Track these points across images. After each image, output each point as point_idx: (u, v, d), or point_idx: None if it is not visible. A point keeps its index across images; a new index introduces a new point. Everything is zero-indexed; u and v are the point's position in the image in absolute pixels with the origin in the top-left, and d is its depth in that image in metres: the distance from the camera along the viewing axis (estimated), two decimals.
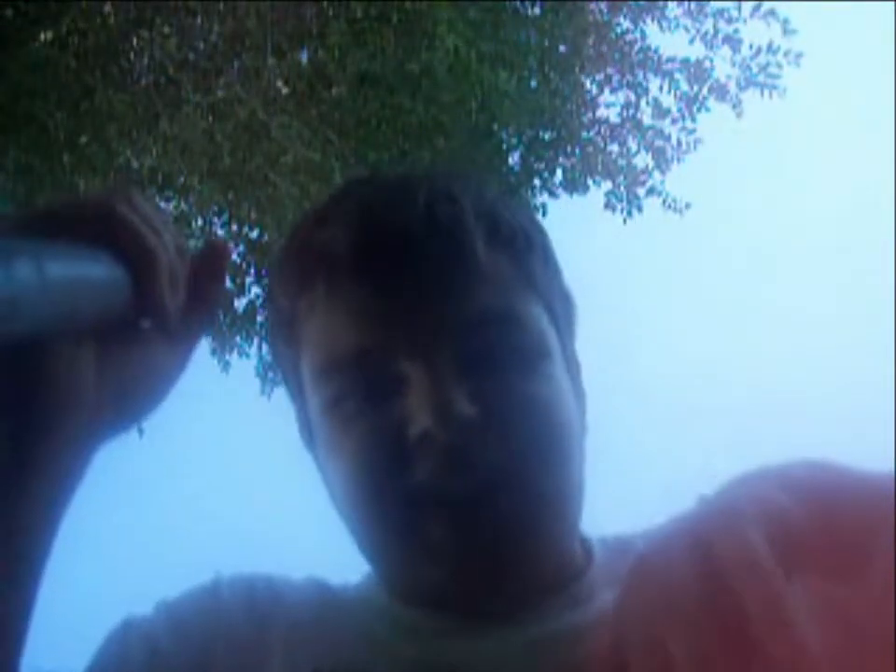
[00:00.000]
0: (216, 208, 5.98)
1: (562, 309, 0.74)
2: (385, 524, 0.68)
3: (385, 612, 0.72)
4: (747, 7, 6.07)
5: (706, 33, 6.17)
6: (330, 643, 0.70)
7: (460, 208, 0.69)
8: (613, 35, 6.16)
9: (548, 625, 0.68)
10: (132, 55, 5.36)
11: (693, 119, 6.20)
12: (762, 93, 6.05)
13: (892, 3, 4.95)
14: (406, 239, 0.67)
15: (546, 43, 5.77)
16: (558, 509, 0.68)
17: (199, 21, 5.49)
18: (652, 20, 6.21)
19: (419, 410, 0.65)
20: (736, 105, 6.12)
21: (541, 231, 0.75)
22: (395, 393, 0.67)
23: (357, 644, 0.70)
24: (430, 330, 0.66)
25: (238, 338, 6.08)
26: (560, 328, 0.73)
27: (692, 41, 6.21)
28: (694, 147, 6.20)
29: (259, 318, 6.12)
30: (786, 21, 5.95)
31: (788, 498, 0.57)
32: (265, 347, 6.11)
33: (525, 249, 0.72)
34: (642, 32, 6.24)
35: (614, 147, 6.21)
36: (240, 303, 6.13)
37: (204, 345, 6.03)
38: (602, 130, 6.22)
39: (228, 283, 6.22)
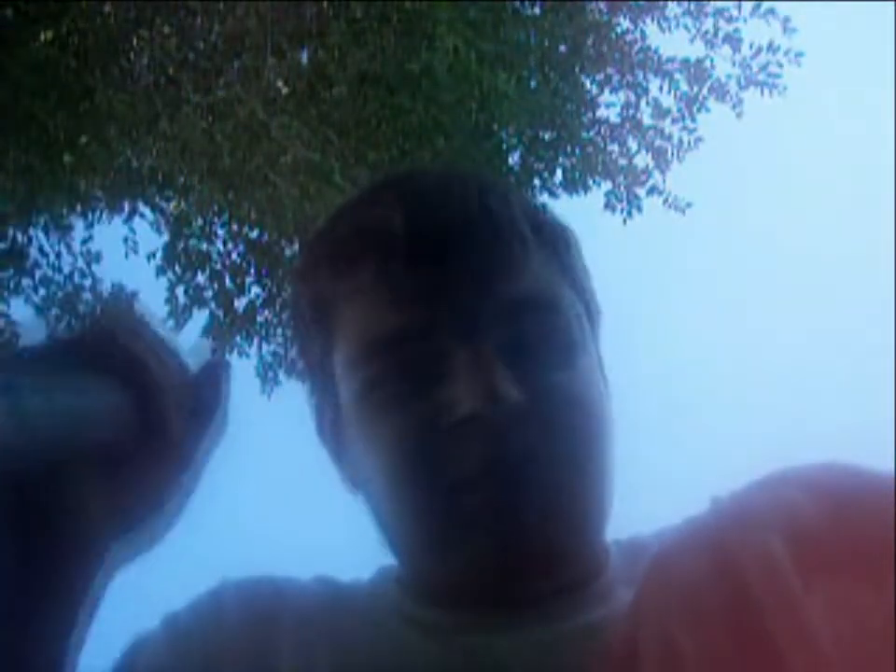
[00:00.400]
0: (216, 208, 5.98)
1: (593, 307, 0.76)
2: (424, 507, 0.66)
3: (398, 609, 0.71)
4: (747, 6, 6.07)
5: (706, 32, 6.17)
6: (344, 642, 0.69)
7: (510, 202, 0.71)
8: (613, 35, 6.15)
9: (567, 623, 0.67)
10: (132, 55, 5.36)
11: (693, 119, 6.20)
12: (762, 92, 6.05)
13: (892, 3, 4.95)
14: (459, 225, 0.68)
15: (546, 43, 5.77)
16: (593, 501, 0.68)
17: (199, 20, 5.49)
18: (652, 19, 6.20)
19: (465, 392, 0.65)
20: (736, 105, 6.12)
21: (574, 235, 0.77)
22: (438, 376, 0.66)
23: (372, 641, 0.69)
24: (476, 315, 0.67)
25: (238, 338, 6.08)
26: (592, 324, 0.75)
27: (692, 41, 6.21)
28: (695, 147, 6.19)
29: (259, 318, 6.12)
30: (786, 20, 5.95)
31: (807, 501, 0.56)
32: (265, 347, 6.11)
33: (565, 248, 0.74)
34: (642, 32, 6.24)
35: (614, 147, 6.20)
36: (240, 303, 6.13)
37: (205, 345, 6.02)
38: (602, 130, 6.22)
39: (228, 282, 6.22)
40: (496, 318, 0.67)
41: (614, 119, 6.27)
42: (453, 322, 0.67)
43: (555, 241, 0.73)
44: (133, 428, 0.53)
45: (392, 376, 0.68)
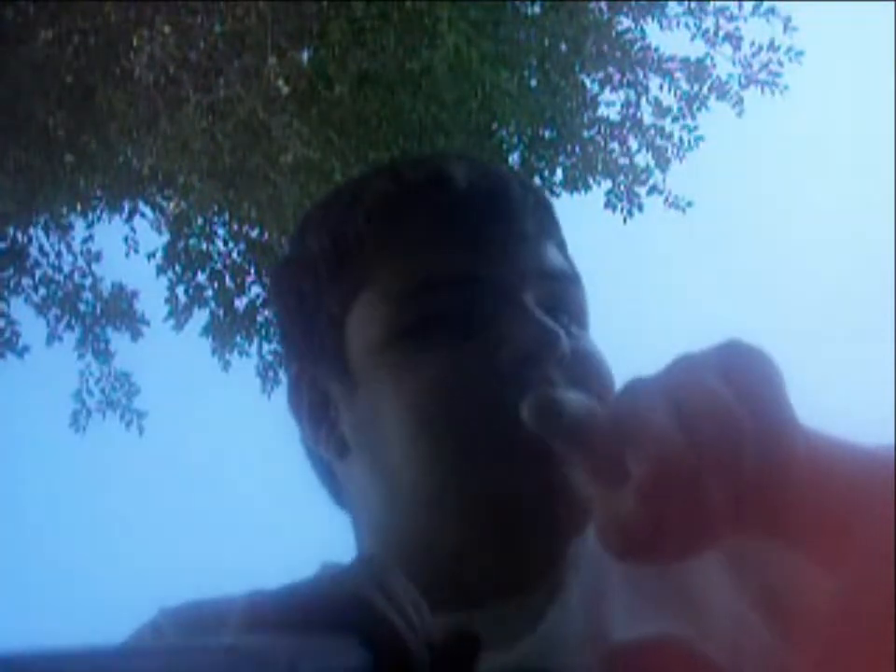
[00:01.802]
0: (216, 207, 5.98)
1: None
2: (465, 454, 0.64)
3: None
4: (748, 4, 6.07)
5: (706, 31, 6.17)
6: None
7: (538, 188, 0.78)
8: (614, 34, 6.15)
9: (544, 627, 0.65)
10: (132, 54, 5.36)
11: (694, 118, 6.20)
12: (763, 91, 6.05)
13: (892, 2, 4.95)
14: (510, 192, 0.72)
15: (546, 42, 5.77)
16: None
17: (199, 20, 5.48)
18: (653, 18, 6.20)
19: (522, 333, 0.64)
20: (737, 104, 6.12)
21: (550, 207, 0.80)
22: (482, 325, 0.66)
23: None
24: (521, 275, 0.68)
25: (238, 337, 6.08)
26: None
27: (692, 39, 6.21)
28: (696, 146, 6.19)
29: (260, 318, 6.12)
30: (787, 19, 5.96)
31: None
32: (265, 346, 6.11)
33: (563, 243, 0.77)
34: (643, 30, 6.24)
35: (615, 146, 6.20)
36: (240, 303, 6.13)
37: (205, 345, 6.03)
38: (602, 129, 6.22)
39: (228, 282, 6.22)
40: (534, 279, 0.69)
41: (615, 117, 6.27)
42: (501, 276, 0.68)
43: (560, 237, 0.77)
44: None
45: (437, 319, 0.67)
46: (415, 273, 0.68)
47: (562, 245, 0.76)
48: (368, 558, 0.57)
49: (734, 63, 6.11)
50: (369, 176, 0.78)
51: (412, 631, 0.50)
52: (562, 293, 0.70)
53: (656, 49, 6.18)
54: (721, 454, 0.44)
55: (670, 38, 6.23)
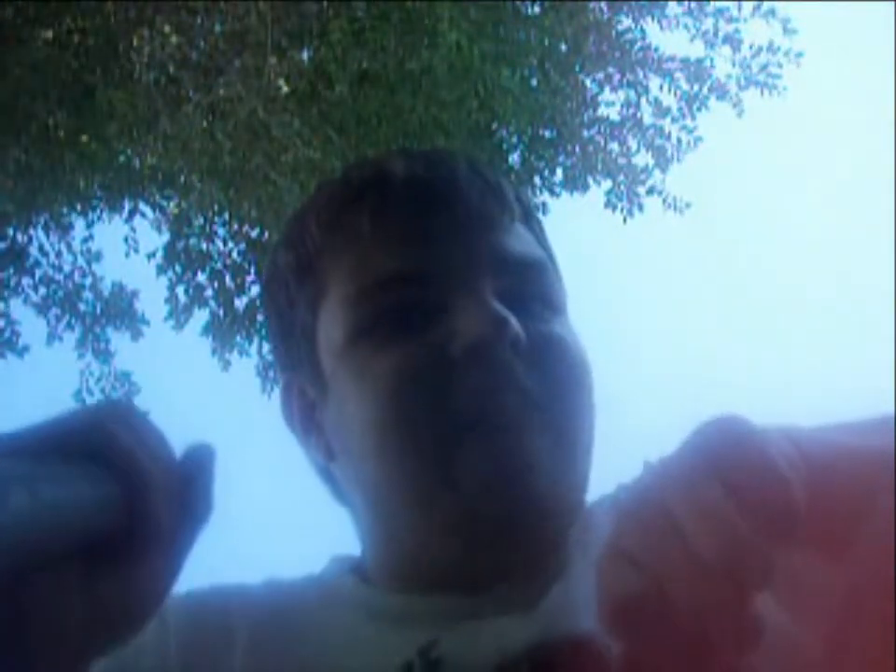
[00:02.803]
0: (216, 207, 5.98)
1: (564, 287, 0.77)
2: (419, 444, 0.65)
3: (357, 601, 0.69)
4: (747, 6, 6.07)
5: (706, 32, 6.17)
6: (299, 644, 0.66)
7: (495, 172, 0.75)
8: (614, 34, 6.15)
9: (532, 609, 0.65)
10: (132, 54, 5.36)
11: (693, 118, 6.20)
12: (762, 93, 6.05)
13: (892, 3, 4.95)
14: (454, 179, 0.71)
15: (546, 42, 5.77)
16: (582, 452, 0.67)
17: (199, 19, 5.49)
18: (653, 19, 6.20)
19: (473, 322, 0.65)
20: (737, 105, 6.12)
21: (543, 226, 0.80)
22: (437, 316, 0.67)
23: (329, 639, 0.66)
24: (473, 263, 0.68)
25: (238, 337, 6.08)
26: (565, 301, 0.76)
27: (692, 40, 6.21)
28: (695, 146, 6.20)
29: (260, 317, 6.12)
30: (786, 21, 5.96)
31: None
32: (265, 346, 6.11)
33: (539, 225, 0.77)
34: (642, 31, 6.24)
35: (615, 146, 6.20)
36: (240, 302, 6.13)
37: (205, 345, 6.03)
38: (602, 128, 6.22)
39: (228, 282, 6.22)
40: (491, 268, 0.68)
41: (615, 117, 6.27)
42: (451, 267, 0.68)
43: (532, 218, 0.76)
44: (120, 527, 0.49)
45: (386, 319, 0.68)
46: (365, 275, 0.69)
47: (532, 229, 0.75)
48: (115, 399, 0.58)
49: (733, 65, 6.11)
50: (321, 185, 0.79)
51: (153, 461, 0.50)
52: (527, 279, 0.70)
53: (656, 50, 6.19)
54: (730, 585, 0.43)
55: (670, 39, 6.23)
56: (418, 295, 0.68)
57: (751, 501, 0.44)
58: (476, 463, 0.64)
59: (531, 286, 0.70)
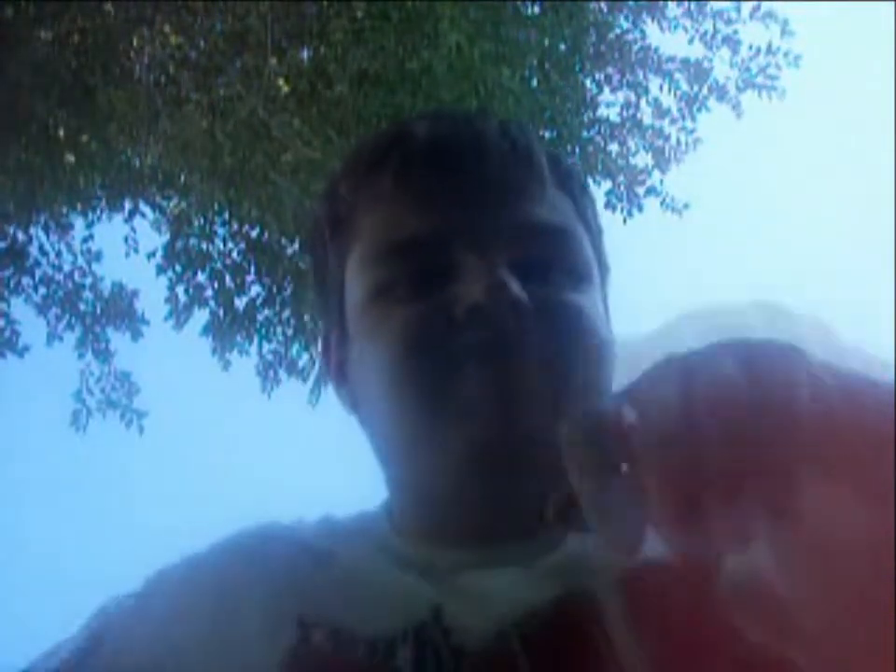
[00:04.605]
0: (216, 207, 5.98)
1: (604, 261, 0.78)
2: (423, 387, 0.67)
3: (388, 550, 0.71)
4: (746, 8, 6.07)
5: (705, 33, 6.18)
6: (316, 589, 0.67)
7: (530, 137, 0.75)
8: (613, 35, 6.16)
9: (553, 555, 0.66)
10: (132, 54, 5.36)
11: (693, 119, 6.20)
12: (760, 95, 6.05)
13: (892, 3, 4.96)
14: (480, 143, 0.72)
15: (546, 42, 5.77)
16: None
17: (199, 19, 5.49)
18: (652, 20, 6.21)
19: (471, 288, 0.66)
20: (736, 106, 6.12)
21: (592, 194, 0.80)
22: (447, 280, 0.68)
23: (362, 584, 0.67)
24: (490, 229, 0.69)
25: (238, 337, 6.08)
26: (602, 271, 0.77)
27: (691, 41, 6.22)
28: (694, 148, 6.20)
29: (260, 317, 6.12)
30: (785, 23, 5.96)
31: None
32: (265, 346, 6.11)
33: (580, 193, 0.77)
34: (642, 31, 6.24)
35: (614, 147, 6.21)
36: (240, 302, 6.13)
37: (205, 345, 6.03)
38: (602, 129, 6.22)
39: (228, 281, 6.23)
40: (508, 234, 0.69)
41: (614, 118, 6.28)
42: (466, 233, 0.69)
43: (572, 183, 0.76)
44: None
45: (404, 279, 0.69)
46: (384, 236, 0.71)
47: (573, 197, 0.75)
48: None
49: (732, 66, 6.12)
50: (360, 140, 0.81)
51: None
52: (547, 246, 0.70)
53: (655, 51, 6.19)
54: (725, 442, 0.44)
55: (669, 40, 6.25)
56: (432, 259, 0.69)
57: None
58: (476, 399, 0.65)
59: (551, 253, 0.70)
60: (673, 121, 6.21)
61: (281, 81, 5.28)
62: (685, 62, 6.19)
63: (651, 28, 6.24)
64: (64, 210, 6.15)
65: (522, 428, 0.65)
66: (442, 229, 0.70)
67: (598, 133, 6.20)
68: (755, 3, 6.01)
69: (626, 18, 6.22)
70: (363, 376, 0.73)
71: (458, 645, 0.61)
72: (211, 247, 6.20)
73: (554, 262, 0.70)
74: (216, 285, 6.12)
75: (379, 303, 0.70)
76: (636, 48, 6.20)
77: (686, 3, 6.22)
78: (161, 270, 6.06)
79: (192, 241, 6.16)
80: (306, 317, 6.06)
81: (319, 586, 0.67)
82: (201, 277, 6.12)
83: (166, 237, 6.15)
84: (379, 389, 0.70)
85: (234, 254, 6.20)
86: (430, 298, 0.68)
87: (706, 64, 6.17)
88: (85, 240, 6.32)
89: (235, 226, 6.18)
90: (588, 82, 6.19)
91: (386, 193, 0.72)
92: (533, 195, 0.71)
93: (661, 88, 6.21)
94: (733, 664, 0.55)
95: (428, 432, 0.67)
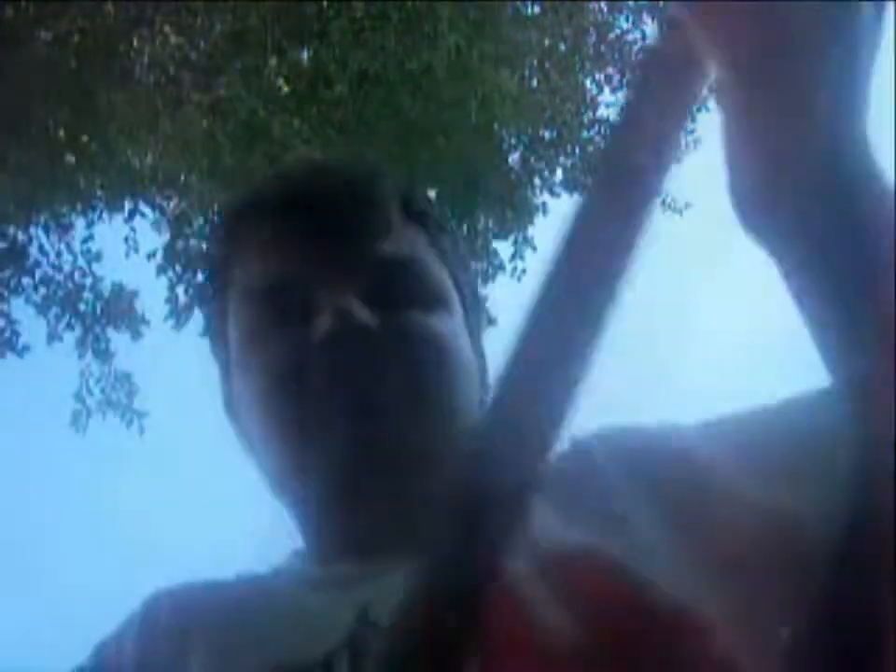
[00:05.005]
0: (216, 207, 5.98)
1: (469, 295, 0.83)
2: (286, 413, 0.73)
3: (295, 574, 0.76)
4: None
5: None
6: (250, 617, 0.71)
7: (377, 179, 0.82)
8: (613, 35, 6.16)
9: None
10: (132, 54, 5.36)
11: (694, 119, 6.20)
12: None
13: (893, 3, 4.96)
14: (328, 193, 0.79)
15: (546, 42, 5.78)
16: (445, 434, 0.73)
17: (199, 19, 5.49)
18: (652, 19, 6.21)
19: (323, 318, 0.73)
20: None
21: (454, 234, 0.86)
22: (307, 315, 0.75)
23: (274, 609, 0.71)
24: (339, 266, 0.76)
25: None
26: (466, 300, 0.82)
27: None
28: (694, 147, 6.20)
29: None
30: None
31: None
32: None
33: (436, 228, 0.83)
34: (642, 32, 6.25)
35: None
36: None
37: (205, 345, 6.03)
38: (602, 129, 6.23)
39: None
40: (356, 268, 0.76)
41: (614, 118, 6.27)
42: (319, 272, 0.76)
43: (426, 219, 0.82)
44: None
45: (270, 320, 0.76)
46: (249, 284, 0.79)
47: (425, 231, 0.81)
48: None
49: None
50: (237, 195, 0.91)
51: None
52: (396, 277, 0.76)
53: None
54: None
55: None
56: (292, 299, 0.76)
57: None
58: (332, 418, 0.71)
59: (401, 279, 0.76)
60: None
61: (281, 81, 5.29)
62: None
63: (651, 28, 6.25)
64: (64, 210, 6.16)
65: (377, 439, 0.71)
66: (298, 272, 0.77)
67: (598, 133, 6.21)
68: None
69: (626, 18, 6.23)
70: (243, 410, 0.78)
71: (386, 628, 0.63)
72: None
73: (403, 285, 0.76)
74: None
75: (250, 343, 0.77)
76: (636, 48, 6.21)
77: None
78: (161, 270, 6.06)
79: (192, 241, 6.17)
80: None
81: (249, 629, 0.70)
82: (201, 277, 6.12)
83: (166, 237, 6.16)
84: (254, 421, 0.76)
85: None
86: (291, 332, 0.74)
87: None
88: (85, 240, 6.32)
89: None
90: (588, 82, 6.20)
91: (250, 244, 0.80)
92: (378, 232, 0.78)
93: None
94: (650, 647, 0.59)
95: (296, 456, 0.73)
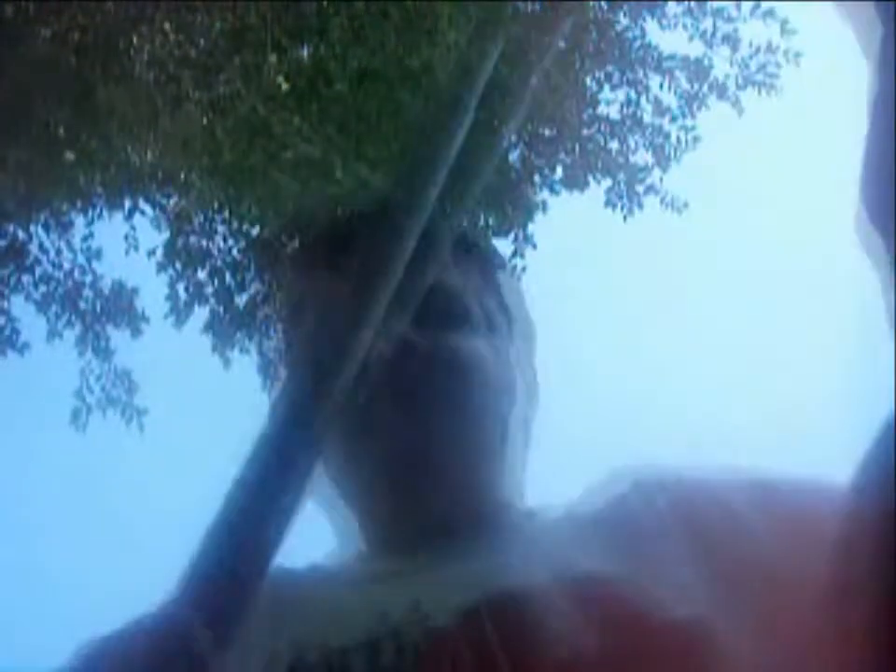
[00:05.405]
0: (216, 204, 5.98)
1: (518, 325, 0.93)
2: (343, 428, 0.82)
3: (353, 567, 0.84)
4: (746, 6, 6.07)
5: (704, 31, 6.18)
6: (316, 603, 0.78)
7: (435, 221, 0.98)
8: (613, 33, 6.16)
9: (482, 558, 0.77)
10: (132, 52, 5.36)
11: (693, 117, 6.21)
12: (759, 92, 6.06)
13: (892, 3, 4.96)
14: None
15: (546, 40, 5.77)
16: (482, 442, 0.84)
17: (199, 17, 5.49)
18: (652, 17, 6.21)
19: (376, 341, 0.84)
20: (735, 104, 6.13)
21: (505, 266, 0.99)
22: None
23: (336, 596, 0.78)
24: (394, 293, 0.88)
25: (239, 334, 6.09)
26: (513, 325, 0.92)
27: (691, 39, 6.22)
28: (693, 146, 6.20)
29: (260, 315, 6.13)
30: (784, 21, 5.97)
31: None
32: (266, 344, 6.12)
33: (487, 261, 0.94)
34: (642, 29, 6.24)
35: (614, 145, 6.21)
36: (241, 300, 6.14)
37: (206, 342, 6.04)
38: (602, 127, 6.22)
39: (228, 279, 6.24)
40: (403, 297, 0.87)
41: (614, 116, 6.28)
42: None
43: (478, 259, 0.94)
44: None
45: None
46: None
47: (475, 265, 0.92)
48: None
49: (731, 64, 6.12)
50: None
51: None
52: (444, 305, 0.87)
53: (656, 48, 6.19)
54: None
55: (669, 38, 6.24)
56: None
57: None
58: (379, 427, 0.81)
59: (447, 307, 0.86)
60: (673, 119, 6.22)
61: (281, 79, 5.28)
62: (685, 59, 6.19)
63: (651, 26, 6.25)
64: (64, 208, 6.15)
65: (423, 448, 0.81)
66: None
67: (598, 130, 6.21)
68: (755, 1, 6.02)
69: (626, 16, 6.22)
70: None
71: (432, 626, 0.71)
72: (211, 245, 6.20)
73: (449, 313, 0.86)
74: (216, 282, 6.13)
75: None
76: (636, 45, 6.20)
77: (686, 1, 6.22)
78: (161, 267, 6.06)
79: (192, 238, 6.17)
80: None
81: (303, 614, 0.77)
82: (201, 275, 6.13)
83: (166, 235, 6.16)
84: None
85: (234, 251, 6.21)
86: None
87: (705, 62, 6.17)
88: (85, 238, 6.32)
89: (235, 223, 6.18)
90: (588, 80, 6.20)
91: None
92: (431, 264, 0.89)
93: (661, 86, 6.21)
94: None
95: (355, 463, 0.83)
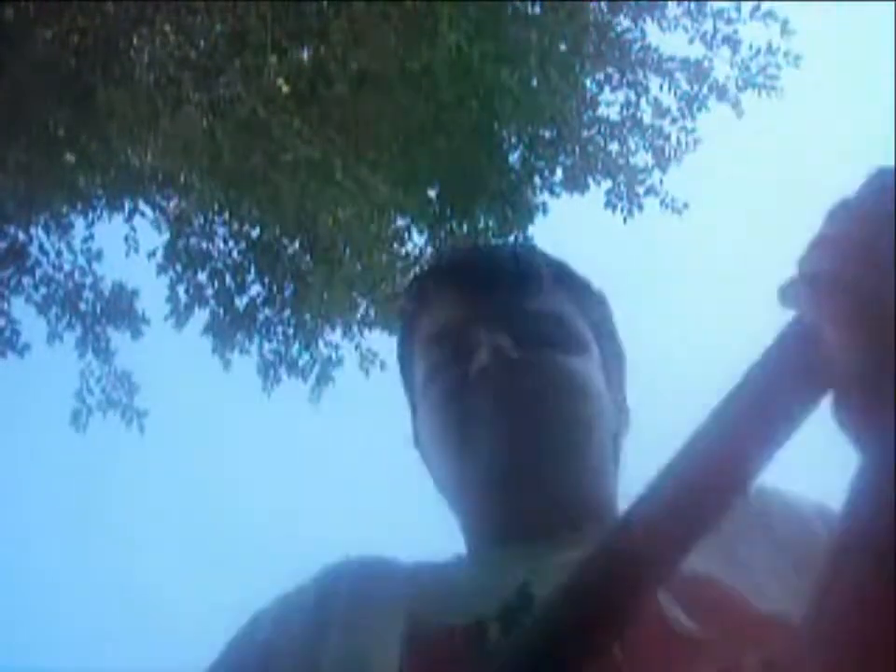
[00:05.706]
0: (216, 206, 5.99)
1: (611, 348, 1.03)
2: (452, 437, 0.93)
3: (469, 554, 0.95)
4: (746, 7, 6.07)
5: (705, 33, 6.18)
6: (416, 595, 0.86)
7: (535, 255, 1.05)
8: (613, 34, 6.16)
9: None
10: (132, 53, 5.37)
11: (693, 119, 6.21)
12: (760, 94, 6.06)
13: (892, 3, 4.96)
14: (491, 264, 1.03)
15: (546, 41, 5.78)
16: (578, 449, 0.92)
17: (200, 19, 5.49)
18: (652, 19, 6.21)
19: (482, 353, 0.94)
20: (736, 106, 6.13)
21: (604, 297, 1.08)
22: (470, 354, 0.95)
23: (454, 580, 0.89)
24: (498, 316, 0.97)
25: (239, 336, 6.09)
26: (604, 348, 1.01)
27: (691, 41, 6.22)
28: (694, 147, 6.20)
29: (260, 316, 6.13)
30: (785, 23, 5.96)
31: None
32: (266, 345, 6.12)
33: (580, 290, 1.04)
34: (642, 31, 6.24)
35: (614, 146, 6.21)
36: (241, 302, 6.14)
37: (206, 344, 6.04)
38: (602, 128, 6.22)
39: (229, 281, 6.24)
40: (509, 318, 0.97)
41: (614, 117, 6.28)
42: (483, 321, 0.97)
43: (575, 288, 1.03)
44: None
45: (444, 358, 0.97)
46: (429, 331, 1.01)
47: (569, 294, 1.02)
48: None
49: (731, 66, 6.12)
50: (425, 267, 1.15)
51: None
52: (542, 325, 0.97)
53: (656, 50, 6.19)
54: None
55: (669, 39, 6.24)
56: (460, 342, 0.97)
57: None
58: (487, 437, 0.91)
59: (546, 328, 0.97)
60: (673, 121, 6.22)
61: (281, 81, 5.29)
62: (685, 61, 6.19)
63: (651, 28, 6.25)
64: (64, 210, 6.16)
65: (524, 453, 0.89)
66: (467, 319, 0.98)
67: (598, 132, 6.21)
68: (755, 3, 6.02)
69: (626, 17, 6.23)
70: (425, 436, 1.00)
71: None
72: (211, 247, 6.21)
73: (547, 333, 0.96)
74: (216, 284, 6.13)
75: (434, 380, 0.97)
76: (636, 47, 6.21)
77: (686, 2, 6.22)
78: (161, 269, 6.06)
79: (192, 240, 6.17)
80: (307, 317, 6.07)
81: (418, 593, 0.87)
82: (201, 277, 6.13)
83: (166, 236, 6.16)
84: (431, 442, 0.98)
85: (234, 253, 6.21)
86: (459, 366, 0.95)
87: (706, 64, 6.17)
88: (85, 239, 6.32)
89: (235, 225, 6.19)
90: (588, 82, 6.20)
91: (435, 301, 1.02)
92: (530, 293, 0.99)
93: (661, 87, 6.21)
94: None
95: (460, 468, 0.93)
